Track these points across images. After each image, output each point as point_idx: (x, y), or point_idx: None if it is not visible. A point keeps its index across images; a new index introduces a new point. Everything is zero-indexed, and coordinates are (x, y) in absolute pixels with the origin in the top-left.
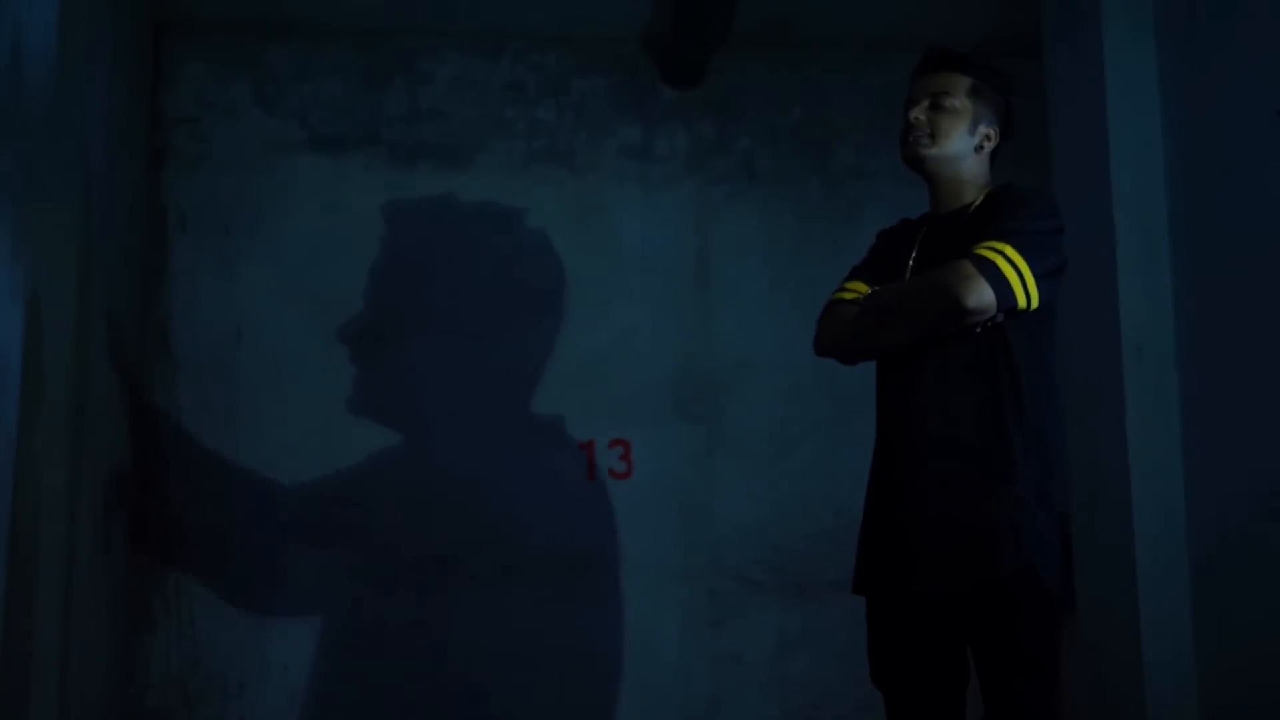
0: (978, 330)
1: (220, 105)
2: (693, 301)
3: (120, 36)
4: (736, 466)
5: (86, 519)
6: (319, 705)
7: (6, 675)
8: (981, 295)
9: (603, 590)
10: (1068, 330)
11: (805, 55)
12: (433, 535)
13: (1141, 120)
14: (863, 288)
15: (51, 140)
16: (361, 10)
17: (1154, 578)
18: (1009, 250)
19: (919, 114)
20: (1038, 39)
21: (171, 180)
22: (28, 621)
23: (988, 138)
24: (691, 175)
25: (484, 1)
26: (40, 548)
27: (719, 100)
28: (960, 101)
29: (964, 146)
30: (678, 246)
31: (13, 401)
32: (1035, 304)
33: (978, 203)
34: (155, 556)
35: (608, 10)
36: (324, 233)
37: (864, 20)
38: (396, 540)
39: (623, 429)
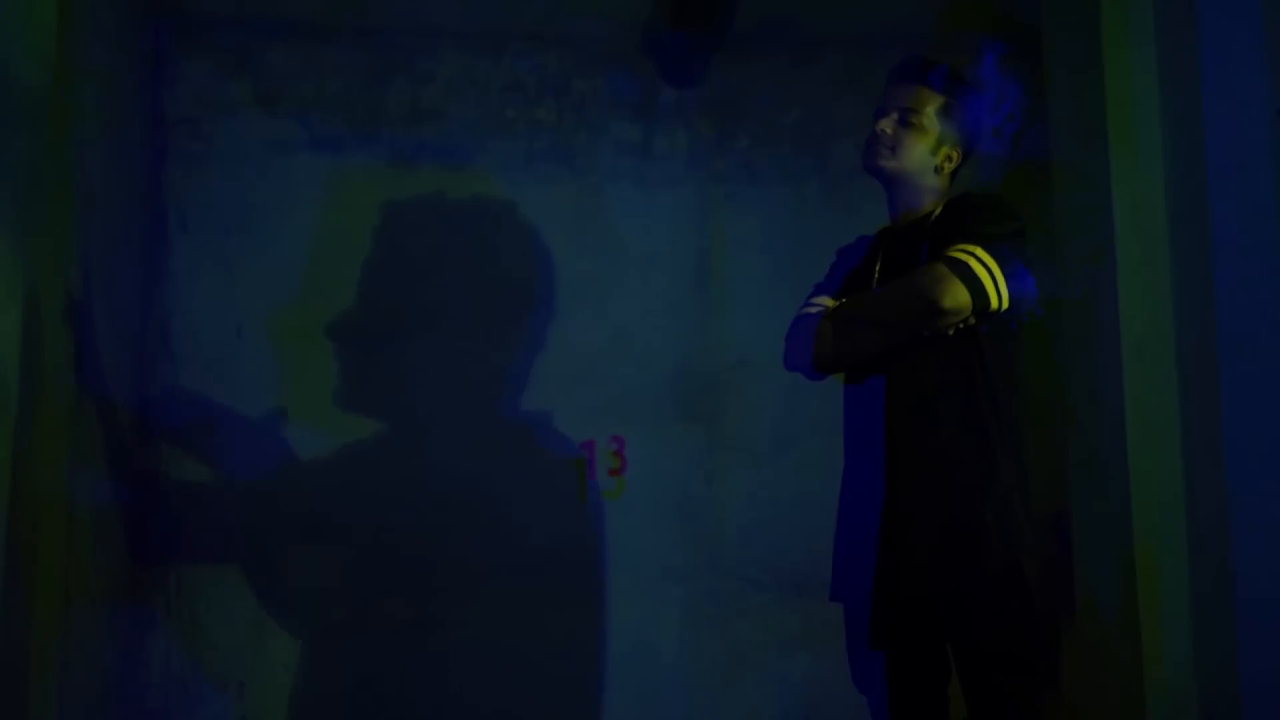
0: (950, 333)
1: (220, 105)
2: (693, 301)
3: (120, 36)
4: (736, 466)
5: (86, 519)
6: (319, 705)
7: (6, 675)
8: (957, 295)
9: (601, 590)
10: (1068, 330)
11: (805, 55)
12: (432, 534)
13: (1142, 120)
14: (829, 302)
15: (51, 140)
16: (361, 10)
17: (1153, 577)
18: (979, 252)
19: (885, 126)
20: (1038, 38)
21: (172, 180)
22: (27, 621)
23: (949, 159)
24: (691, 175)
25: (484, 1)
26: (40, 548)
27: (719, 100)
28: (928, 120)
29: (924, 164)
30: (678, 246)
31: (16, 402)
32: (1006, 305)
33: (937, 212)
34: (155, 556)
35: (608, 10)
36: (324, 232)
37: (864, 20)
38: (396, 540)
39: (622, 428)
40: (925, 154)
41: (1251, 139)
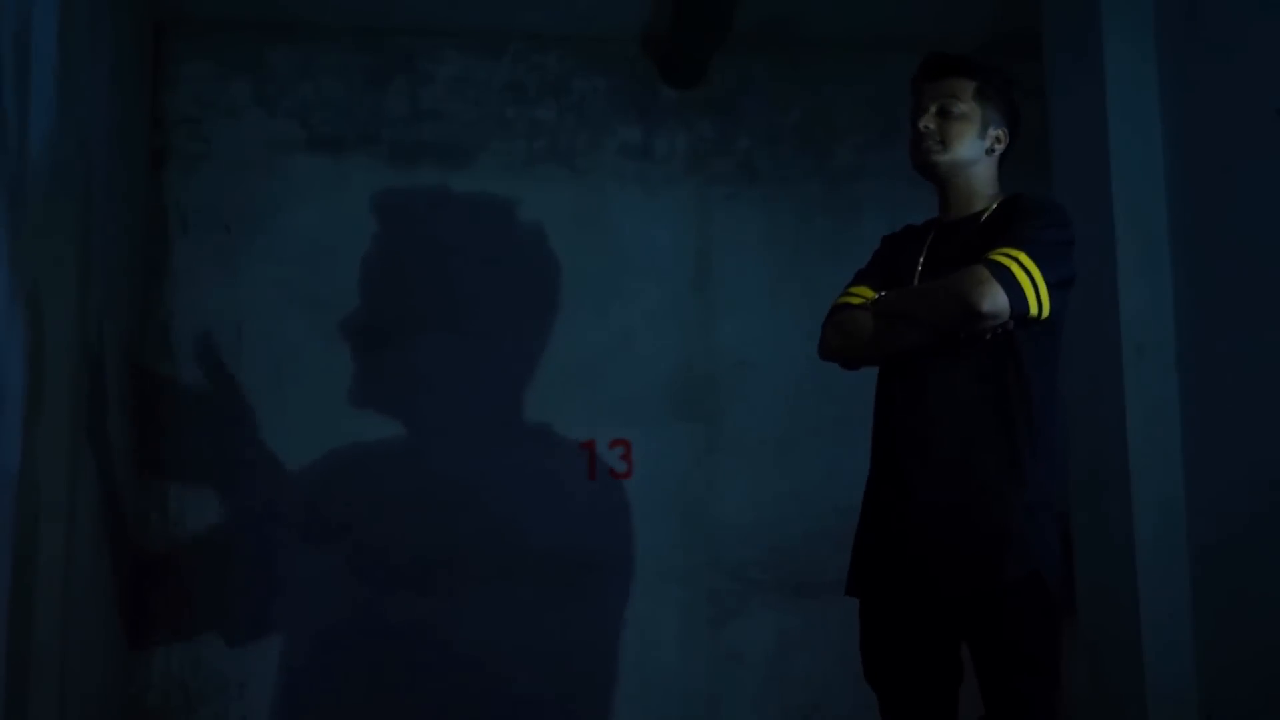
0: (988, 337)
1: (220, 105)
2: (693, 301)
3: (120, 36)
4: (736, 466)
5: (86, 519)
6: (319, 705)
7: (6, 675)
8: (996, 300)
9: (603, 590)
10: (1068, 330)
11: (805, 55)
12: (433, 535)
13: (1141, 120)
14: (868, 292)
15: (51, 140)
16: (361, 10)
17: (1154, 577)
18: (1023, 257)
19: (928, 122)
20: (1038, 39)
21: (172, 180)
22: (27, 621)
23: (998, 140)
24: (691, 175)
25: (484, 1)
26: (40, 548)
27: (719, 100)
28: (968, 106)
29: (975, 151)
30: (678, 246)
31: (15, 401)
32: (1046, 313)
33: (990, 211)
34: (155, 556)
35: (608, 10)
36: (324, 233)
37: (864, 20)
38: (397, 540)
39: (623, 429)
40: (974, 139)
41: (1252, 139)
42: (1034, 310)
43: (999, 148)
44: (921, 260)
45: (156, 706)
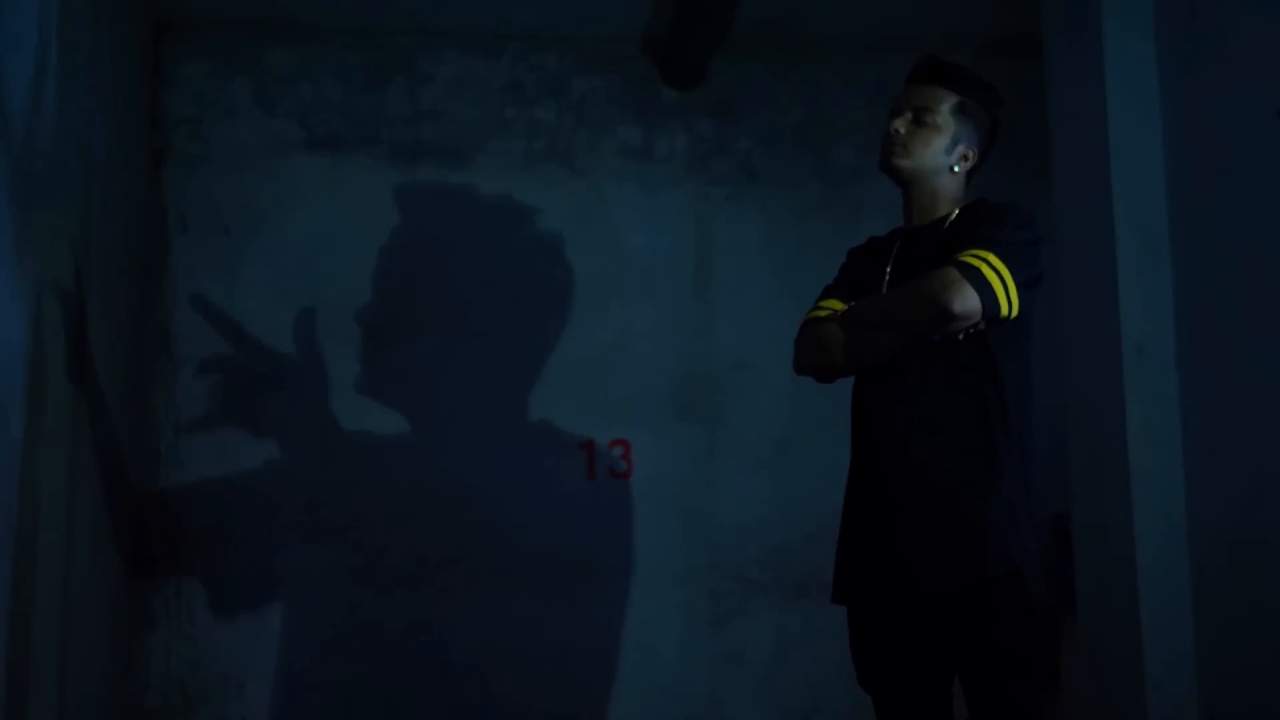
0: (960, 338)
1: (220, 105)
2: (693, 302)
3: (120, 36)
4: (736, 467)
5: (86, 519)
6: (319, 705)
7: (6, 675)
8: (967, 300)
9: (603, 590)
10: (1068, 330)
11: (805, 55)
12: (433, 535)
13: (1141, 120)
14: (837, 305)
15: (51, 141)
16: (361, 10)
17: (1154, 578)
18: (992, 258)
19: (899, 125)
20: (1038, 39)
21: (171, 180)
22: (27, 621)
23: (965, 158)
24: (692, 176)
25: (484, 1)
26: (39, 548)
27: (719, 100)
28: (942, 118)
29: (939, 163)
30: (678, 247)
31: (16, 403)
32: (1015, 312)
33: (953, 216)
34: (155, 557)
35: (608, 10)
36: (324, 233)
37: (864, 21)
38: (397, 540)
39: (623, 429)
40: (940, 153)
41: (1252, 139)
42: (1005, 310)
43: (964, 165)
44: (889, 269)
45: (155, 706)
